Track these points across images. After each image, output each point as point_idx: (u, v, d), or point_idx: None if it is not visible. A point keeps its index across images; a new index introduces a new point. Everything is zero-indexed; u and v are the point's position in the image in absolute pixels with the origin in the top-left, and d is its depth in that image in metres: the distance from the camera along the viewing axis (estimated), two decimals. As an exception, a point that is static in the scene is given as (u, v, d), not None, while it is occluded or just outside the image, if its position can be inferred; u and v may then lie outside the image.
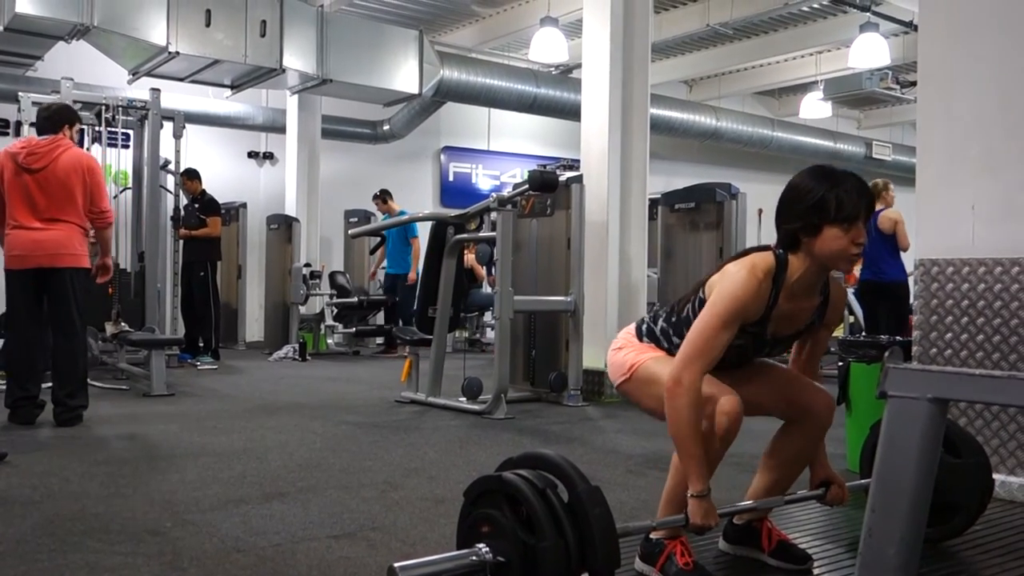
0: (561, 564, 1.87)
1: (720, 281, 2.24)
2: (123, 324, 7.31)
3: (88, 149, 8.15)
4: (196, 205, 8.75)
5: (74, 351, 4.97)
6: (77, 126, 5.27)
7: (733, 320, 2.18)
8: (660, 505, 2.40)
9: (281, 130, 11.34)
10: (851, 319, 8.62)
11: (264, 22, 8.44)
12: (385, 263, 10.41)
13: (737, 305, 2.17)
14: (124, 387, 6.57)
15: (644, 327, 2.51)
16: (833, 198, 2.14)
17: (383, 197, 10.20)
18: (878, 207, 6.91)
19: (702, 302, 2.29)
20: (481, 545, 1.95)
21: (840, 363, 4.09)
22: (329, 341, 10.52)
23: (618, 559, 1.92)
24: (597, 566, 1.88)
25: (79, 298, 4.97)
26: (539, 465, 2.03)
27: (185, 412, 5.49)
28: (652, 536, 2.40)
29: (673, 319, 2.42)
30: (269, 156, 12.10)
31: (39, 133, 5.08)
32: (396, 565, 1.84)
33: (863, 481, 2.82)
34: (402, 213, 9.72)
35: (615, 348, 2.52)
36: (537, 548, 1.87)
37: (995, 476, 3.31)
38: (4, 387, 5.22)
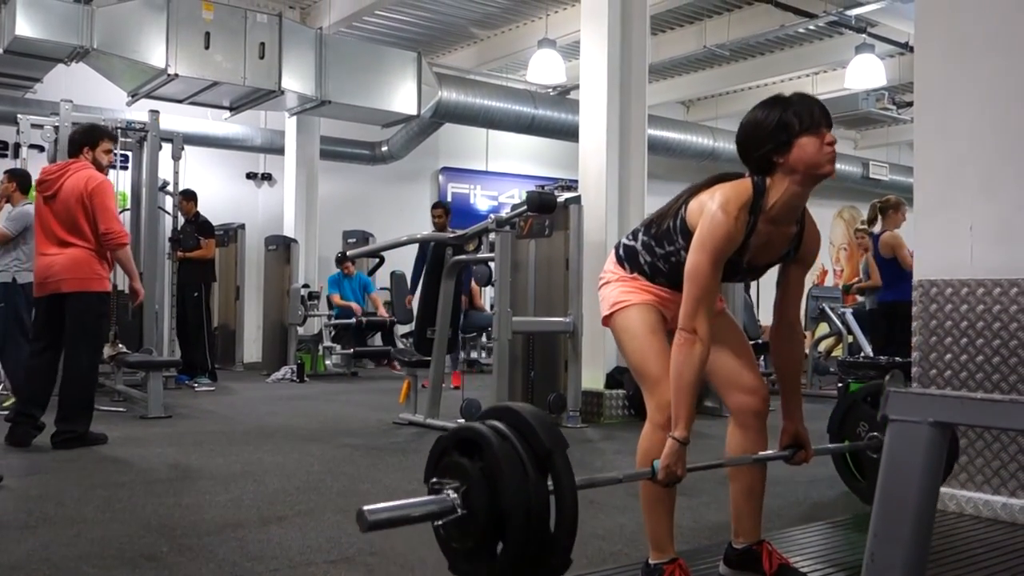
0: (513, 458, 1.90)
1: (700, 220, 2.26)
2: (120, 346, 7.28)
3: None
4: (191, 227, 8.75)
5: (73, 376, 4.95)
6: (103, 144, 5.15)
7: (720, 260, 2.23)
8: (645, 519, 2.43)
9: (280, 151, 11.37)
10: (850, 339, 8.61)
11: (263, 44, 8.48)
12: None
13: (719, 246, 2.22)
14: (121, 409, 6.54)
15: (623, 249, 2.51)
16: (792, 114, 2.22)
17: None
18: (879, 229, 6.85)
19: (683, 222, 2.33)
20: (448, 491, 1.96)
21: (840, 384, 4.08)
22: (327, 362, 10.50)
23: (563, 439, 1.96)
24: (543, 437, 1.93)
25: (87, 323, 4.96)
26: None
27: (182, 434, 5.46)
28: (651, 561, 2.40)
29: (653, 231, 2.43)
30: (267, 177, 12.13)
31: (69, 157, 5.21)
32: (365, 508, 1.84)
33: (831, 445, 2.79)
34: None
35: (602, 283, 2.52)
36: (491, 467, 1.89)
37: (966, 493, 3.31)
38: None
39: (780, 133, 2.21)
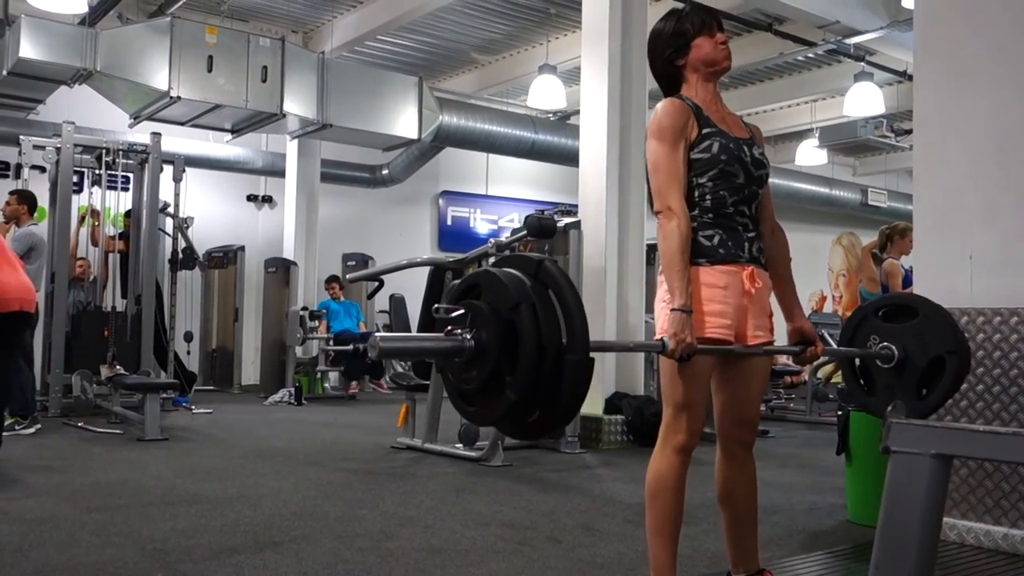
0: (509, 274, 1.96)
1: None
2: (118, 367, 7.27)
3: (89, 192, 8.22)
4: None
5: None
6: None
7: (672, 139, 2.37)
8: (649, 546, 2.42)
9: (280, 174, 11.40)
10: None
11: (265, 68, 8.52)
12: None
13: (667, 123, 2.37)
14: (118, 431, 6.51)
15: None
16: (686, 20, 2.48)
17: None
18: (886, 255, 6.78)
19: None
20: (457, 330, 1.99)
21: (839, 412, 4.07)
22: (326, 385, 10.47)
23: (548, 256, 1.98)
24: (530, 257, 2.02)
25: None
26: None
27: (179, 457, 5.43)
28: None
29: None
30: (268, 200, 12.16)
31: None
32: (377, 335, 1.89)
33: (842, 348, 2.78)
34: None
35: (659, 297, 2.45)
36: (492, 291, 1.93)
37: (967, 524, 3.28)
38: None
39: (677, 39, 2.47)
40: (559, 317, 1.91)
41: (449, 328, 1.98)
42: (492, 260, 5.86)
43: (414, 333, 1.92)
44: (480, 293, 1.97)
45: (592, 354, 1.93)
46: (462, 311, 1.95)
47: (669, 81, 2.52)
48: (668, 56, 2.48)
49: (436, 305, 2.07)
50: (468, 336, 1.94)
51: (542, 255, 2.02)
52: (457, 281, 5.86)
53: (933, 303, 2.76)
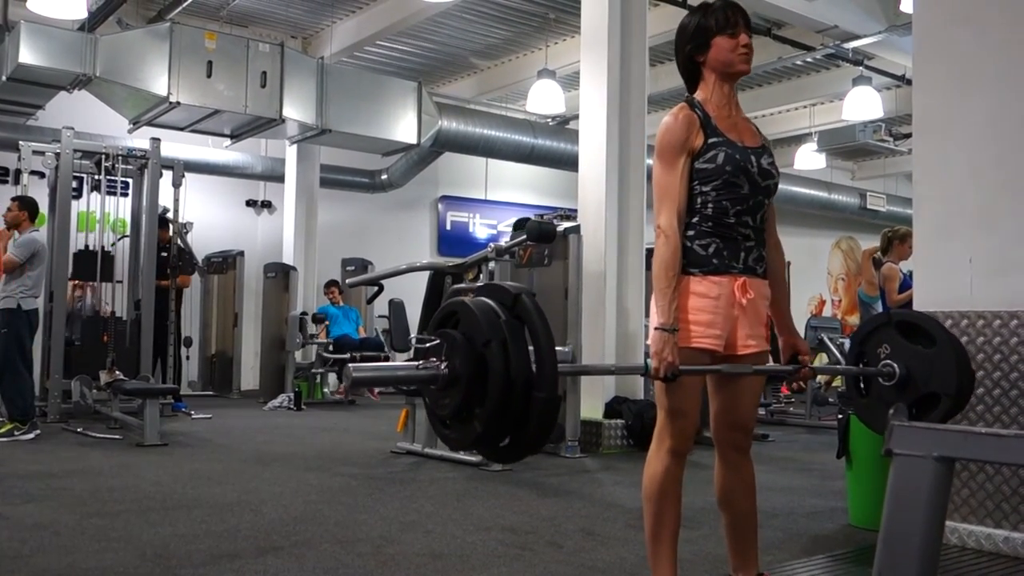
0: (485, 307, 1.97)
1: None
2: (117, 373, 7.26)
3: (88, 197, 8.22)
4: (163, 254, 8.34)
5: None
6: None
7: (672, 155, 2.37)
8: (648, 552, 2.45)
9: (280, 179, 11.40)
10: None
11: (264, 73, 8.53)
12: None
13: (666, 140, 2.38)
14: (117, 436, 6.50)
15: None
16: (710, 17, 2.44)
17: None
18: (886, 259, 6.74)
19: None
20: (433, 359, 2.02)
21: (840, 415, 4.06)
22: (325, 390, 10.47)
23: (527, 288, 2.07)
24: (507, 287, 2.04)
25: None
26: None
27: (178, 462, 5.43)
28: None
29: None
30: (267, 205, 12.15)
31: None
32: (350, 365, 1.92)
33: (841, 367, 2.77)
34: None
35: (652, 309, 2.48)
36: (467, 323, 1.95)
37: (968, 527, 3.28)
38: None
39: (699, 35, 2.45)
40: (531, 350, 1.94)
41: (423, 359, 2.01)
42: (491, 265, 5.87)
43: (389, 363, 1.95)
44: (458, 322, 1.98)
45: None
46: (438, 341, 1.98)
47: (690, 77, 2.51)
48: (688, 52, 2.47)
49: (411, 336, 2.12)
50: (443, 365, 1.96)
51: (520, 286, 2.04)
52: (454, 286, 5.87)
53: (956, 340, 2.69)
